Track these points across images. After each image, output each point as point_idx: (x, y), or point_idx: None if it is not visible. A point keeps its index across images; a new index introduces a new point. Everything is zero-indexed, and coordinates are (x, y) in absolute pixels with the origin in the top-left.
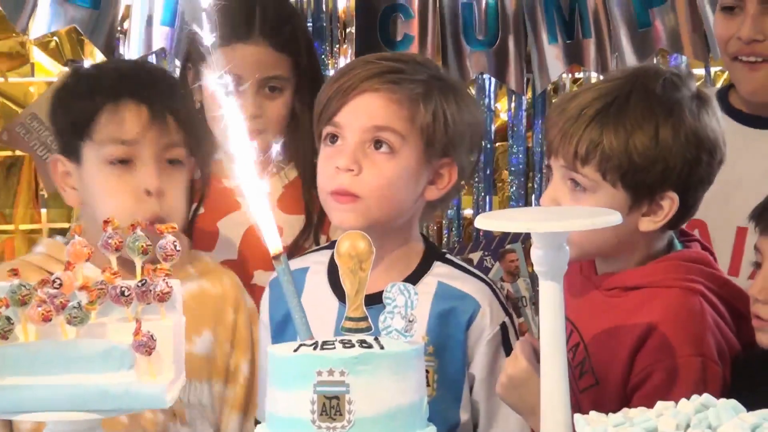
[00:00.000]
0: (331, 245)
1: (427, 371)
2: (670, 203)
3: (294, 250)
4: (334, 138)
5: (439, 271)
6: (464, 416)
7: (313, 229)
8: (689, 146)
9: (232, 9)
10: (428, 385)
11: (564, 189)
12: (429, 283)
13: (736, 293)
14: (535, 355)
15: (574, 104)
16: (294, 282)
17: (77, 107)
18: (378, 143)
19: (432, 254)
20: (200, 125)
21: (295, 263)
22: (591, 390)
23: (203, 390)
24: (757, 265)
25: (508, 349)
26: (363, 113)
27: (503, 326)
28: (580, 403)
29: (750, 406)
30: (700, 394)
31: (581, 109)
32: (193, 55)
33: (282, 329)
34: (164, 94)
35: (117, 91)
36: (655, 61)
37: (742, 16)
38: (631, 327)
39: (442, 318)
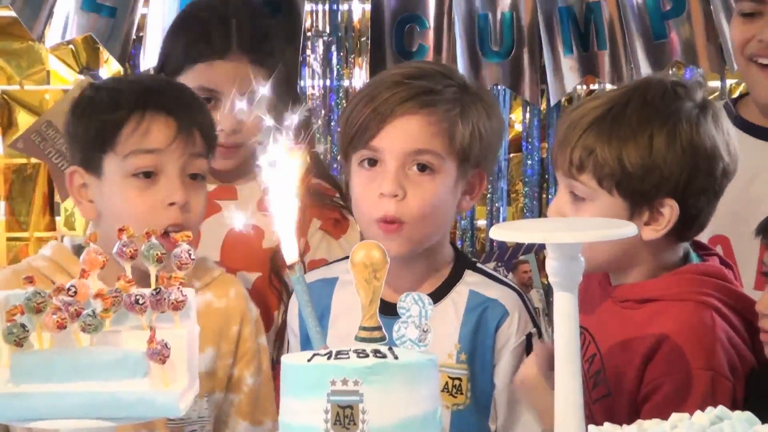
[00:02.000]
0: None
1: (460, 379)
2: (669, 211)
3: (276, 250)
4: (372, 162)
5: (470, 279)
6: (492, 426)
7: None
8: (685, 156)
9: (209, 26)
10: (461, 393)
11: (566, 199)
12: (461, 292)
13: (752, 307)
14: (548, 362)
15: (574, 114)
16: (308, 291)
17: (99, 120)
18: (420, 166)
19: (462, 263)
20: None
21: (321, 273)
22: (604, 400)
23: (202, 404)
24: (766, 277)
25: None
26: (402, 137)
27: (528, 337)
28: (593, 414)
29: (763, 420)
30: (708, 408)
31: (579, 118)
32: (166, 68)
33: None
34: (191, 108)
35: (143, 103)
36: (671, 72)
37: (762, 22)
38: (642, 339)
39: (474, 326)
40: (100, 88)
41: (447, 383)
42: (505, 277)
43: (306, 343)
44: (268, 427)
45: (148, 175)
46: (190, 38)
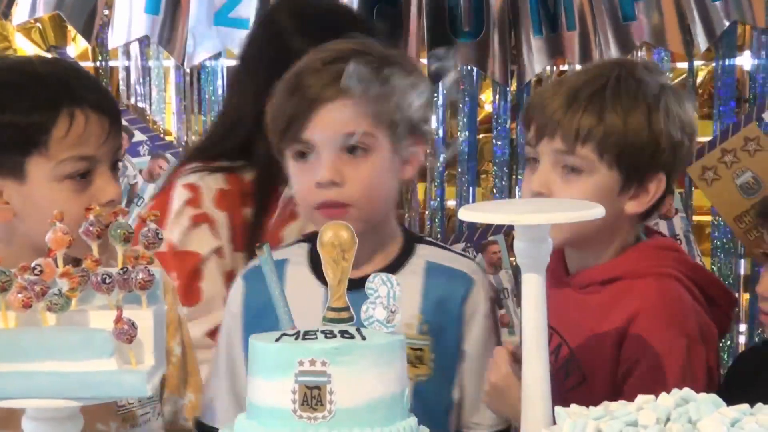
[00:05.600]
0: (307, 239)
1: (422, 350)
2: (657, 185)
3: None
4: (304, 154)
5: (423, 252)
6: (456, 396)
7: None
8: (675, 129)
9: None
10: (423, 364)
11: (554, 175)
12: (417, 263)
13: (708, 279)
14: (513, 358)
15: (565, 88)
16: (276, 269)
17: (17, 121)
18: (352, 149)
19: (412, 238)
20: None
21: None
22: (579, 388)
23: None
24: (765, 258)
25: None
26: (330, 125)
27: (492, 300)
28: (567, 403)
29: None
30: (687, 374)
31: (575, 91)
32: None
33: (258, 321)
34: (107, 95)
35: (67, 99)
36: (639, 54)
37: None
38: (612, 320)
39: (436, 296)
40: (8, 85)
41: (408, 354)
42: (474, 258)
43: (251, 326)
44: (189, 399)
45: (84, 175)
46: None
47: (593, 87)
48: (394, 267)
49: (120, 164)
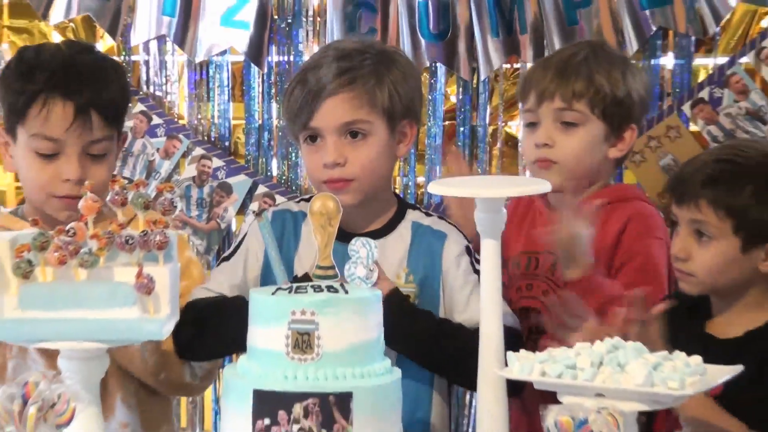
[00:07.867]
0: None
1: (408, 296)
2: (631, 134)
3: None
4: (313, 138)
5: (412, 216)
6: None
7: None
8: (640, 87)
9: None
10: None
11: (555, 129)
12: (405, 226)
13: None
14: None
15: (556, 60)
16: (273, 233)
17: (14, 93)
18: (353, 134)
19: (405, 205)
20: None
21: (289, 205)
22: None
23: None
24: (674, 224)
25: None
26: (332, 115)
27: (468, 248)
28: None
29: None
30: (662, 267)
31: (564, 62)
32: None
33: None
34: (90, 88)
35: (50, 83)
36: None
37: None
38: (606, 230)
39: (420, 250)
40: (22, 60)
41: None
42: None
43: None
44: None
45: (52, 155)
46: None
47: (578, 57)
48: (387, 228)
49: (120, 152)
